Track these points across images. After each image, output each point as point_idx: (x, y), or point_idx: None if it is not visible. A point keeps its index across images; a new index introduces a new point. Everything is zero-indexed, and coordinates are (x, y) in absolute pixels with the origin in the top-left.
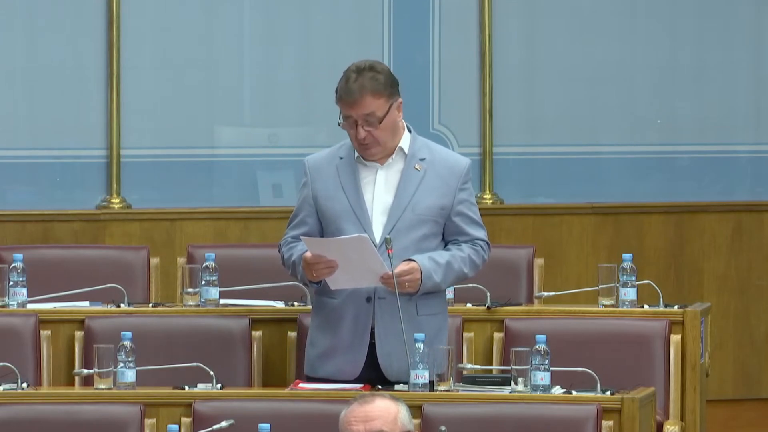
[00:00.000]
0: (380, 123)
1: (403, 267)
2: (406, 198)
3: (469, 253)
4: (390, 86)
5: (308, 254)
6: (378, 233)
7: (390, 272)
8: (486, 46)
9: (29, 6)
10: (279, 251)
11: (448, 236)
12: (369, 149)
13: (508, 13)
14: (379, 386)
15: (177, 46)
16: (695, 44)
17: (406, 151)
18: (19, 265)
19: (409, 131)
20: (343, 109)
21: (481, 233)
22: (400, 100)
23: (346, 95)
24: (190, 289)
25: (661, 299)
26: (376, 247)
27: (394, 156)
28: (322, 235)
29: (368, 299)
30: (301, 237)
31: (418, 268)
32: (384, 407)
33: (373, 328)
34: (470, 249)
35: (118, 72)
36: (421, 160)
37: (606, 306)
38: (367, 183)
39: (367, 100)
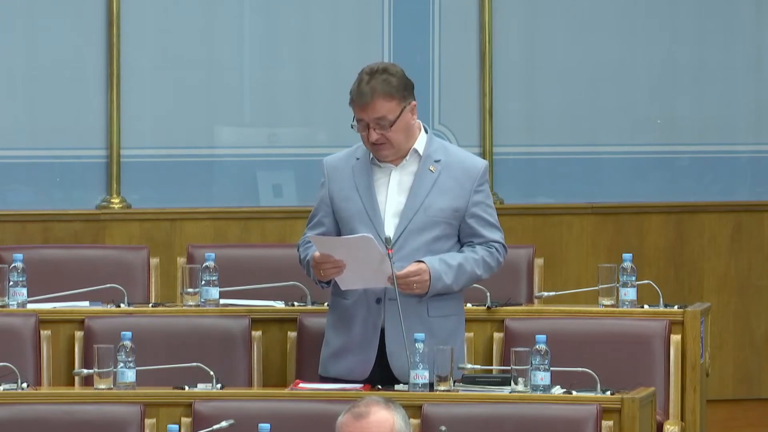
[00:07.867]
0: (391, 126)
1: (410, 268)
2: (418, 200)
3: (483, 255)
4: (403, 89)
5: (316, 254)
6: (390, 234)
7: (394, 273)
8: (486, 46)
9: (29, 6)
10: (297, 250)
11: (463, 238)
12: (381, 151)
13: (508, 13)
14: (380, 386)
15: (177, 46)
16: (695, 44)
17: (421, 152)
18: (19, 265)
19: (426, 132)
20: (355, 111)
21: (496, 235)
22: (413, 102)
23: (357, 98)
24: (190, 289)
25: (661, 299)
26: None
27: (408, 157)
28: (338, 236)
29: (378, 300)
30: (309, 237)
31: (427, 270)
32: (379, 422)
33: (383, 329)
34: (484, 251)
35: (118, 72)
36: (436, 161)
37: (606, 306)
38: (380, 184)
39: (378, 103)
